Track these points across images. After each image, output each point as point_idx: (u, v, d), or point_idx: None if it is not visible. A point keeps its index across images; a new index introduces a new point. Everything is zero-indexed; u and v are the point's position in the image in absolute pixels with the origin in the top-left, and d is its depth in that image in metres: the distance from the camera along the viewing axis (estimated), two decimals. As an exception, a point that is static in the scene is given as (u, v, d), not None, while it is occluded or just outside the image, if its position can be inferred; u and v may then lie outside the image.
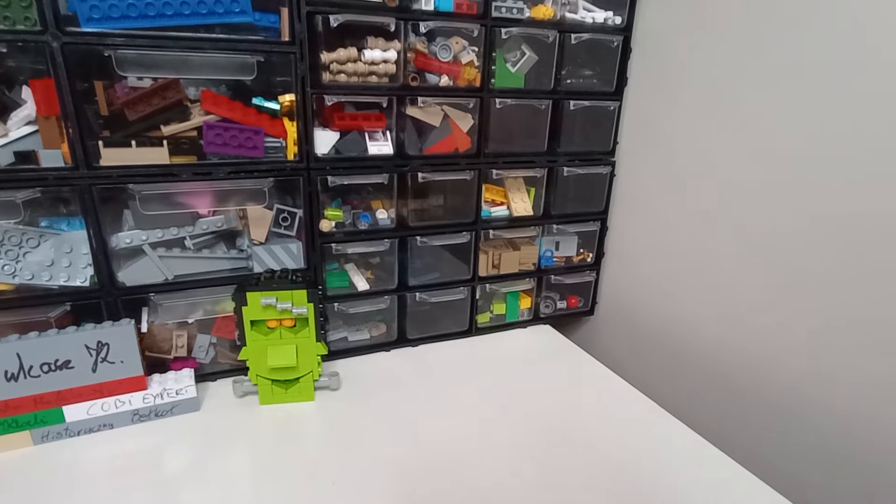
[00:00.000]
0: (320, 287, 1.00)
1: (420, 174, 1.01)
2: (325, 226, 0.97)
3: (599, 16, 1.06)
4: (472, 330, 1.19)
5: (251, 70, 0.84)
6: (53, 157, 0.77)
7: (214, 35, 0.80)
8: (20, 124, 0.76)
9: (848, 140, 0.76)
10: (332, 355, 1.05)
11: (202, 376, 0.95)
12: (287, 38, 0.84)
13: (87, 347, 0.80)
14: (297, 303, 0.87)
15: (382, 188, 1.01)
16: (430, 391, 0.97)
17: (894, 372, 0.74)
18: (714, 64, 0.94)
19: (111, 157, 0.80)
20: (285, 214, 0.94)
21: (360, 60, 0.89)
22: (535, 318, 1.26)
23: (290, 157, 0.90)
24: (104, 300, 0.86)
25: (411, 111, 0.98)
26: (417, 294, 1.10)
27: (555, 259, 1.23)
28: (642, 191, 1.14)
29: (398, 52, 0.91)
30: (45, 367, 0.78)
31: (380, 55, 0.90)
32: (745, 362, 0.95)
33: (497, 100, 1.02)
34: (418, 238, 1.05)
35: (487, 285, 1.17)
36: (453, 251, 1.13)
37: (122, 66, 0.78)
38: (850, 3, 0.74)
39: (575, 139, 1.14)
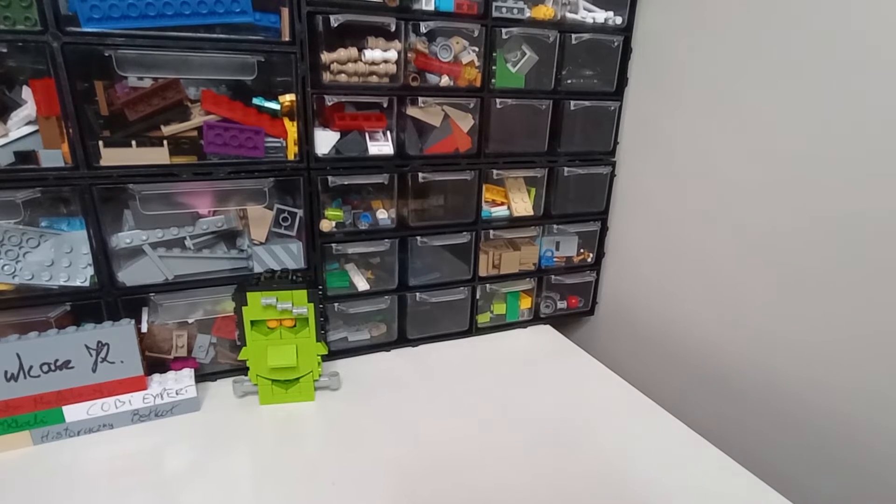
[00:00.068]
0: (320, 287, 1.00)
1: (420, 174, 1.01)
2: (326, 226, 0.97)
3: (600, 16, 1.06)
4: (473, 330, 1.19)
5: (251, 70, 0.84)
6: (53, 157, 0.77)
7: (215, 35, 0.80)
8: (20, 124, 0.76)
9: (848, 140, 0.76)
10: (333, 355, 1.05)
11: (202, 376, 0.95)
12: (287, 38, 0.84)
13: (87, 347, 0.80)
14: (298, 303, 0.87)
15: (383, 188, 1.01)
16: (430, 391, 0.97)
17: (894, 373, 0.74)
18: (714, 64, 0.94)
19: (111, 157, 0.80)
20: (285, 214, 0.94)
21: (361, 60, 0.89)
22: (536, 319, 1.26)
23: (291, 157, 0.90)
24: (104, 300, 0.85)
25: (412, 111, 0.98)
26: (418, 294, 1.10)
27: (555, 259, 1.23)
28: (642, 191, 1.14)
29: (399, 53, 0.91)
30: (45, 367, 0.78)
31: (380, 55, 0.90)
32: (744, 362, 0.95)
33: (497, 100, 1.02)
34: (419, 238, 1.05)
35: (488, 285, 1.17)
36: (454, 251, 1.13)
37: (123, 66, 0.78)
38: (850, 3, 0.74)
39: (575, 139, 1.14)
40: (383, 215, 1.02)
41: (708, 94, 0.96)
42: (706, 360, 1.03)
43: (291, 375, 0.91)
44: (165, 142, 0.82)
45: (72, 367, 0.79)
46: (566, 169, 1.14)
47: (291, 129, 0.89)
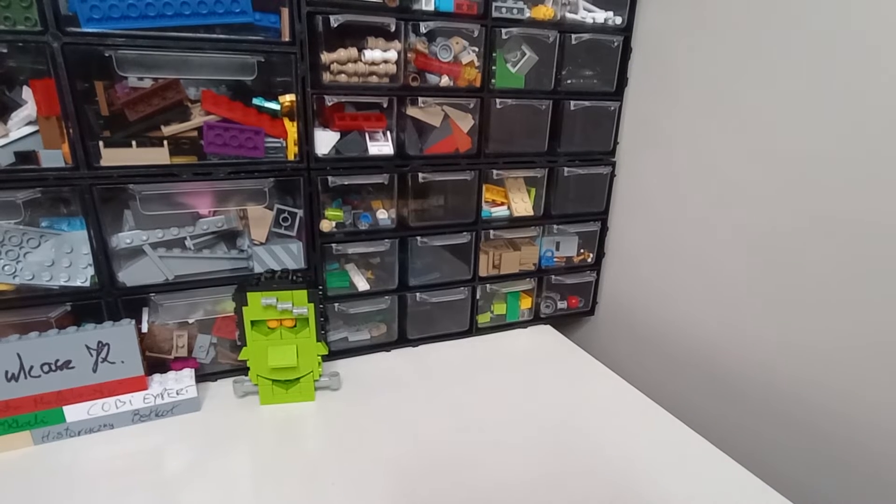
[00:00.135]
0: (321, 287, 1.00)
1: (420, 174, 1.01)
2: (326, 226, 0.97)
3: (600, 16, 1.06)
4: (473, 330, 1.19)
5: (251, 70, 0.84)
6: (54, 158, 0.77)
7: (215, 35, 0.80)
8: (21, 124, 0.76)
9: (848, 140, 0.76)
10: (333, 355, 1.05)
11: (202, 376, 0.95)
12: (287, 39, 0.84)
13: (88, 347, 0.80)
14: (298, 303, 0.87)
15: (383, 188, 1.01)
16: (430, 391, 0.97)
17: (894, 373, 0.74)
18: (714, 64, 0.94)
19: (111, 157, 0.80)
20: (286, 214, 0.94)
21: (361, 61, 0.89)
22: (536, 319, 1.26)
23: (291, 157, 0.90)
24: (104, 300, 0.86)
25: (412, 111, 0.98)
26: (418, 294, 1.10)
27: (555, 259, 1.23)
28: (643, 191, 1.14)
29: (398, 53, 0.91)
30: (46, 368, 0.78)
31: (380, 55, 0.90)
32: (744, 362, 0.95)
33: (497, 100, 1.02)
34: (419, 238, 1.05)
35: (488, 285, 1.17)
36: (454, 251, 1.14)
37: (123, 67, 0.78)
38: (850, 3, 0.74)
39: (575, 139, 1.14)
40: (383, 215, 1.02)
41: (708, 94, 0.96)
42: (706, 360, 1.03)
43: (292, 375, 0.91)
44: (165, 142, 0.82)
45: (72, 367, 0.79)
46: (566, 169, 1.14)
47: (291, 129, 0.89)
